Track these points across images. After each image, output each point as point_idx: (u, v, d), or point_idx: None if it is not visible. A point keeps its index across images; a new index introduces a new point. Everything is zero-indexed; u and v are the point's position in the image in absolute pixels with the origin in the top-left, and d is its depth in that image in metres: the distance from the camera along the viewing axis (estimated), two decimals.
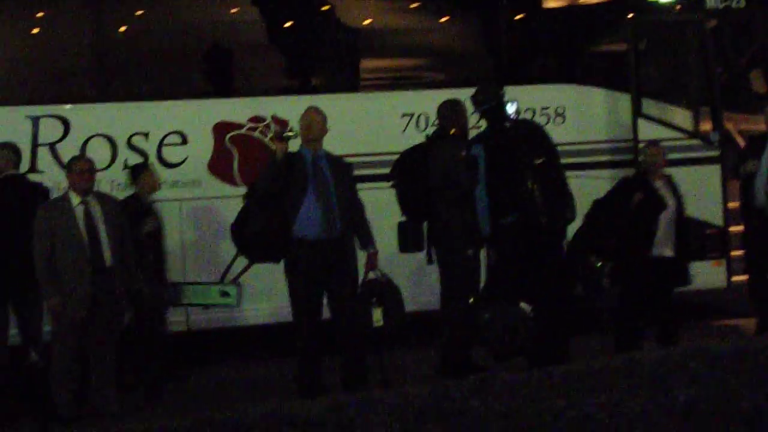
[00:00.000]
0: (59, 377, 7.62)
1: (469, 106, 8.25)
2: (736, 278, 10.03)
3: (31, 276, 7.65)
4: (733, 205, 10.01)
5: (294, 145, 7.75)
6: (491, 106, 8.09)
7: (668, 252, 8.28)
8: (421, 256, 8.33)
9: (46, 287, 7.60)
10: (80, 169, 7.79)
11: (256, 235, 7.66)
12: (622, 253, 8.39)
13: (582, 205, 9.20)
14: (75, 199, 7.73)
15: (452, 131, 8.13)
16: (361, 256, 7.90)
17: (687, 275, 8.44)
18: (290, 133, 7.69)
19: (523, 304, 7.85)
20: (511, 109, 8.16)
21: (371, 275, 7.89)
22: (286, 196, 7.57)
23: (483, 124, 8.26)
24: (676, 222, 8.34)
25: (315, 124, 7.74)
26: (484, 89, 8.19)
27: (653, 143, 8.72)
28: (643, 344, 8.20)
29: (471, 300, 8.06)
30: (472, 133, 8.34)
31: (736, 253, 9.86)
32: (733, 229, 9.93)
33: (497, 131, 8.04)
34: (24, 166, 8.85)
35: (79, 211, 7.69)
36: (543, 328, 7.82)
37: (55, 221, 7.65)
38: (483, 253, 8.27)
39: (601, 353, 7.92)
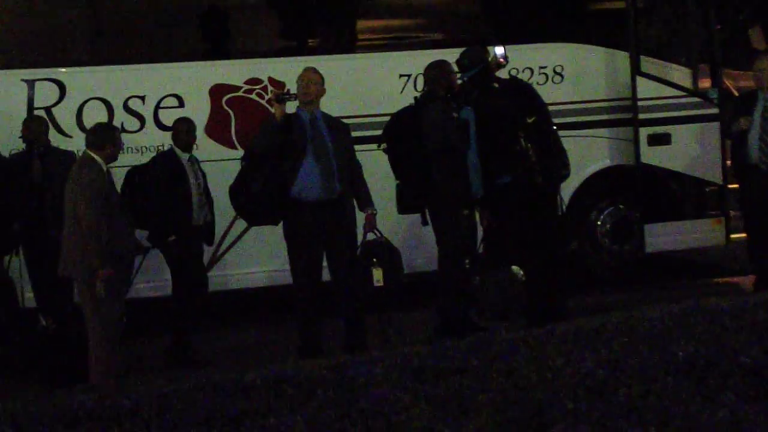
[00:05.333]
0: None
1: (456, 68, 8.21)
2: (735, 236, 10.05)
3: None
4: (731, 163, 10.01)
5: (292, 107, 7.74)
6: (478, 69, 8.05)
7: None
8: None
9: None
10: None
11: (255, 197, 7.66)
12: None
13: (581, 164, 9.24)
14: None
15: (440, 92, 8.09)
16: (360, 218, 7.92)
17: None
18: (289, 95, 7.68)
19: (514, 267, 7.87)
20: (499, 51, 8.08)
21: (370, 236, 7.91)
22: (284, 158, 7.56)
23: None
24: None
25: (312, 85, 7.72)
26: (469, 53, 8.14)
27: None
28: None
29: (467, 262, 8.06)
30: None
31: (735, 211, 9.86)
32: (732, 186, 9.92)
33: (485, 93, 8.00)
34: (19, 130, 8.86)
35: None
36: (540, 287, 7.84)
37: None
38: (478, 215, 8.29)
39: (600, 311, 7.93)
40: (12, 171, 8.36)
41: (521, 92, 8.08)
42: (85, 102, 9.09)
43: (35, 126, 8.61)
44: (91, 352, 7.40)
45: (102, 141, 7.51)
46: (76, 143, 8.91)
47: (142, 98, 9.20)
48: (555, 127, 8.14)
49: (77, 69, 9.19)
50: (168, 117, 9.19)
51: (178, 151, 8.39)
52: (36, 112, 8.96)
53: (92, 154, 7.46)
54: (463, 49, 8.27)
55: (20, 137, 8.54)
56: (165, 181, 8.20)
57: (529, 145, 7.73)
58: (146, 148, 9.14)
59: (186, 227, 8.18)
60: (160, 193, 8.16)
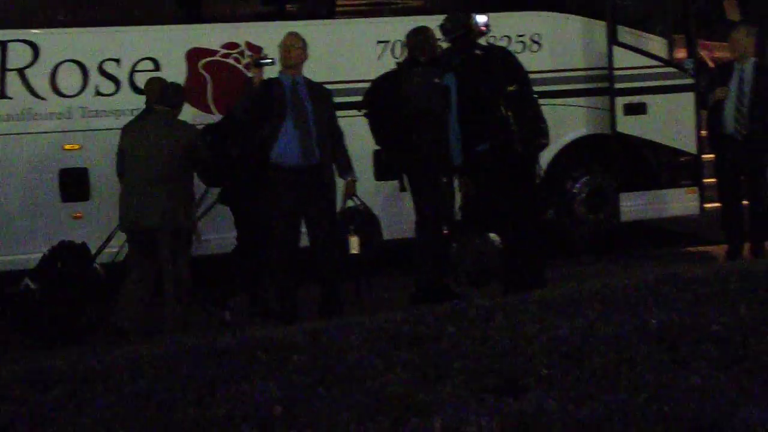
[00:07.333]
0: None
1: (439, 35, 8.19)
2: (708, 205, 10.11)
3: None
4: (706, 133, 10.05)
5: (275, 72, 7.71)
6: (460, 34, 8.03)
7: None
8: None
9: None
10: None
11: (234, 162, 7.64)
12: None
13: (557, 133, 9.24)
14: None
15: (422, 59, 8.07)
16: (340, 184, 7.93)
17: None
18: (266, 60, 7.65)
19: (492, 235, 7.89)
20: (481, 20, 8.09)
21: (349, 203, 7.91)
22: (263, 123, 7.54)
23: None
24: None
25: (294, 50, 7.70)
26: (452, 17, 8.12)
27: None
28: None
29: (444, 229, 8.08)
30: None
31: (709, 180, 9.92)
32: (707, 157, 9.97)
33: (468, 59, 7.99)
34: None
35: None
36: (516, 255, 7.87)
37: None
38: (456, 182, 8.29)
39: (575, 279, 7.98)
40: None
41: (503, 60, 8.07)
42: (60, 64, 8.99)
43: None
44: (167, 304, 7.61)
45: (180, 101, 7.87)
46: (50, 106, 8.86)
47: (118, 61, 9.11)
48: (536, 96, 8.15)
49: (51, 30, 9.10)
50: (144, 80, 9.11)
51: None
52: (9, 74, 8.87)
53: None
54: (441, 16, 8.24)
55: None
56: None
57: (509, 112, 7.73)
58: (121, 111, 9.05)
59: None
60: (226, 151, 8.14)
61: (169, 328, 7.55)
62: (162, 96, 7.84)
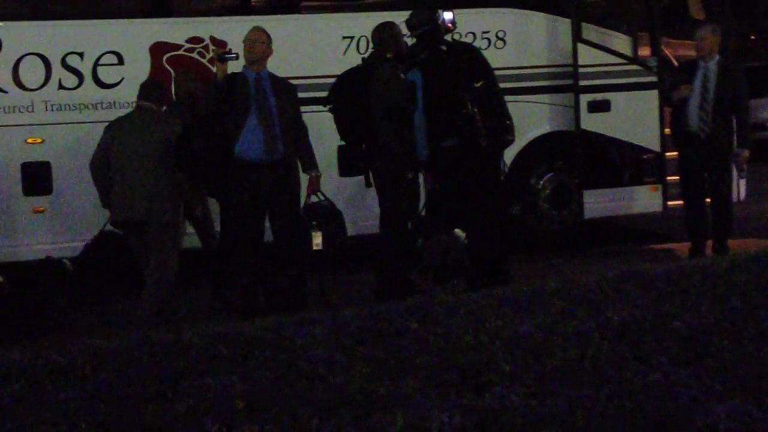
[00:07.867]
0: None
1: (405, 30, 8.19)
2: (671, 203, 10.19)
3: None
4: (670, 130, 10.12)
5: (239, 66, 7.68)
6: (426, 30, 8.04)
7: None
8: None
9: None
10: None
11: (197, 155, 7.61)
12: None
13: (522, 130, 9.28)
14: None
15: (388, 55, 8.07)
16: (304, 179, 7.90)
17: None
18: (230, 55, 7.64)
19: (457, 231, 7.91)
20: (447, 16, 8.10)
21: (313, 199, 7.90)
22: (227, 117, 7.52)
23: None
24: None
25: (258, 45, 7.68)
26: (418, 13, 8.12)
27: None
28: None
29: (409, 224, 8.09)
30: None
31: (672, 178, 9.99)
32: (670, 154, 10.04)
33: (433, 55, 8.00)
34: None
35: None
36: (480, 251, 7.89)
37: None
38: (421, 178, 8.31)
39: (539, 275, 8.02)
40: None
41: (469, 56, 8.08)
42: (22, 57, 8.90)
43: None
44: (144, 298, 7.61)
45: (162, 96, 7.94)
46: (12, 99, 8.78)
47: (81, 54, 9.04)
48: (501, 92, 8.17)
49: (14, 23, 9.01)
50: (107, 74, 9.06)
51: None
52: None
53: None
54: (406, 12, 8.24)
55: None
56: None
57: (475, 109, 7.74)
58: (84, 105, 8.99)
59: None
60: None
61: (139, 320, 7.51)
62: (145, 93, 7.77)
